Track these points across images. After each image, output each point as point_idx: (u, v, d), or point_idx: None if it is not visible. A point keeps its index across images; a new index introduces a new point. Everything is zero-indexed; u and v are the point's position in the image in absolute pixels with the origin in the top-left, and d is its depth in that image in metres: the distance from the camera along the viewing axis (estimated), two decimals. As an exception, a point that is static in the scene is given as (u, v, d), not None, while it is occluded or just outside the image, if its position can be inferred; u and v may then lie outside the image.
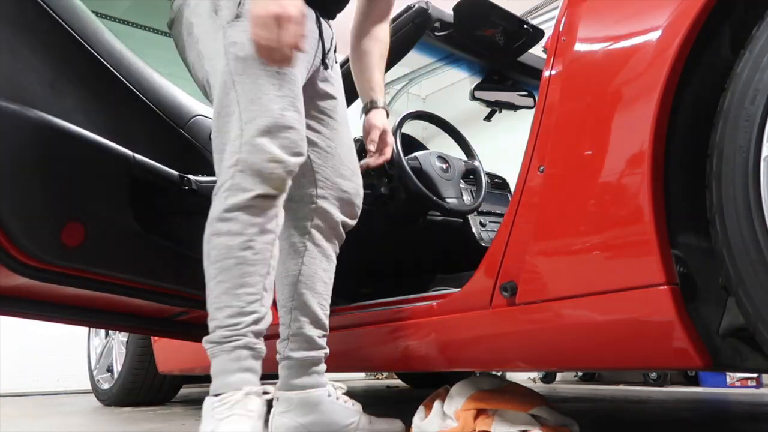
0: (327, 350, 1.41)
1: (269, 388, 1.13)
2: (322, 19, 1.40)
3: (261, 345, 1.14)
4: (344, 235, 1.49)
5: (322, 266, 1.42)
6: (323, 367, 1.40)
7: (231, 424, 1.03)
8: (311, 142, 1.38)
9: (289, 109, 1.17)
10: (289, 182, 1.19)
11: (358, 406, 1.39)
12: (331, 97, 1.46)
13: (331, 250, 1.45)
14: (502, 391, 1.35)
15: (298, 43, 1.13)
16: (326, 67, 1.43)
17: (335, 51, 1.49)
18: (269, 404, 1.18)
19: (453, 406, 1.34)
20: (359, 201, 1.52)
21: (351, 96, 1.65)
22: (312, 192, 1.43)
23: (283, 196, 1.19)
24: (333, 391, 1.39)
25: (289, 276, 1.40)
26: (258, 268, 1.14)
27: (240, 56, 1.16)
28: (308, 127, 1.36)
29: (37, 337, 3.83)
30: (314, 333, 1.38)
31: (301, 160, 1.18)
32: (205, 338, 1.14)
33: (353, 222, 1.50)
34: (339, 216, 1.46)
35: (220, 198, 1.15)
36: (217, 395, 1.08)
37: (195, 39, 1.26)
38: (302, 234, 1.42)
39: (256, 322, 1.13)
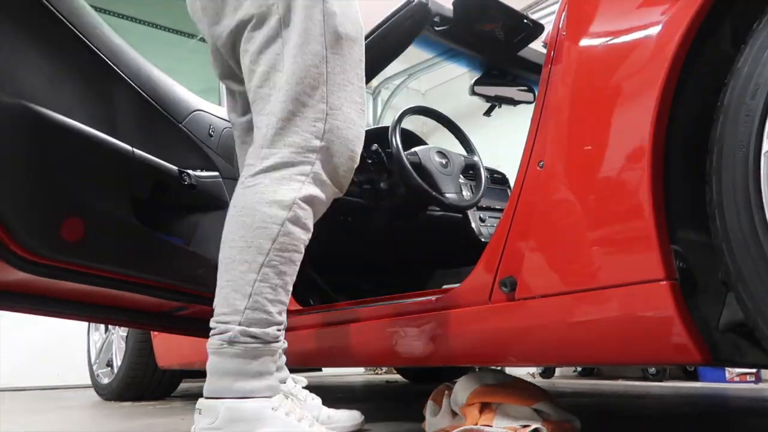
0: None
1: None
2: None
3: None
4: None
5: None
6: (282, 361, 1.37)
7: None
8: None
9: (364, 104, 1.17)
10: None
11: (318, 401, 1.39)
12: None
13: None
14: (506, 386, 1.36)
15: None
16: None
17: None
18: None
19: (458, 403, 1.35)
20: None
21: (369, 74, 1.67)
22: None
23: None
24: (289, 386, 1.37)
25: None
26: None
27: (339, 32, 1.12)
28: None
29: (37, 331, 3.83)
30: None
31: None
32: (236, 332, 1.05)
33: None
34: None
35: (296, 181, 1.08)
36: (268, 397, 1.04)
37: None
38: None
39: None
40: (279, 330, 1.09)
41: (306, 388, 1.39)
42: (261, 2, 1.12)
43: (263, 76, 1.11)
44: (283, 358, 1.33)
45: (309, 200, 1.09)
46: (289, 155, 1.09)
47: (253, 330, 1.05)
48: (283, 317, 1.11)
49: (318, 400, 1.41)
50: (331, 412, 1.42)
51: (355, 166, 1.16)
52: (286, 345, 1.17)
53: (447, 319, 1.37)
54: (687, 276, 0.93)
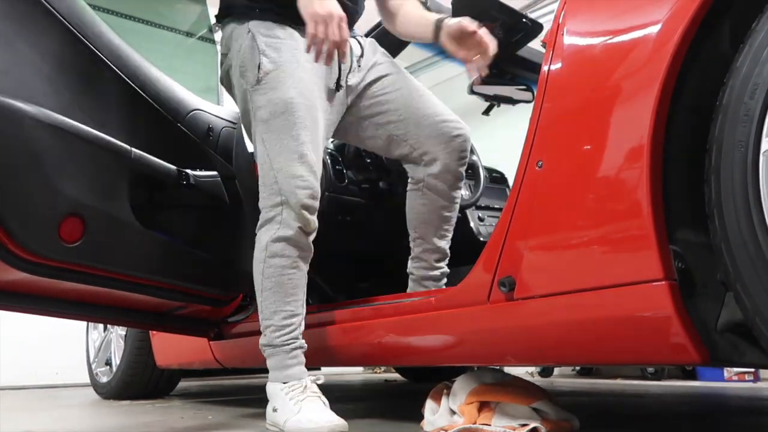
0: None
1: (320, 374, 1.46)
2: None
3: (305, 343, 1.46)
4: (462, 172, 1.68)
5: (439, 205, 1.69)
6: None
7: (310, 402, 1.34)
8: (385, 124, 1.65)
9: (305, 157, 1.42)
10: (314, 221, 1.46)
11: None
12: (371, 83, 1.64)
13: (450, 192, 1.69)
14: (504, 385, 1.36)
15: (342, 42, 1.35)
16: (339, 87, 1.57)
17: (361, 55, 1.64)
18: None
19: (457, 402, 1.35)
20: (458, 132, 1.67)
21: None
22: (412, 155, 1.67)
23: (314, 225, 1.47)
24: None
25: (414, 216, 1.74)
26: (300, 281, 1.46)
27: (264, 119, 1.43)
28: (371, 116, 1.66)
29: (36, 330, 3.82)
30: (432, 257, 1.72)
31: (317, 197, 1.45)
32: (262, 342, 1.45)
33: (463, 156, 1.67)
34: (445, 160, 1.64)
35: (271, 229, 1.44)
36: (284, 383, 1.39)
37: (234, 94, 1.54)
38: (420, 189, 1.70)
39: (301, 323, 1.46)
40: (283, 334, 1.42)
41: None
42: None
43: None
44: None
45: (281, 239, 1.43)
46: (266, 213, 1.46)
47: (264, 338, 1.46)
48: (288, 321, 1.43)
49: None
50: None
51: (310, 205, 1.43)
52: (300, 344, 1.45)
53: (446, 318, 1.37)
54: (686, 276, 0.93)
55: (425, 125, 1.64)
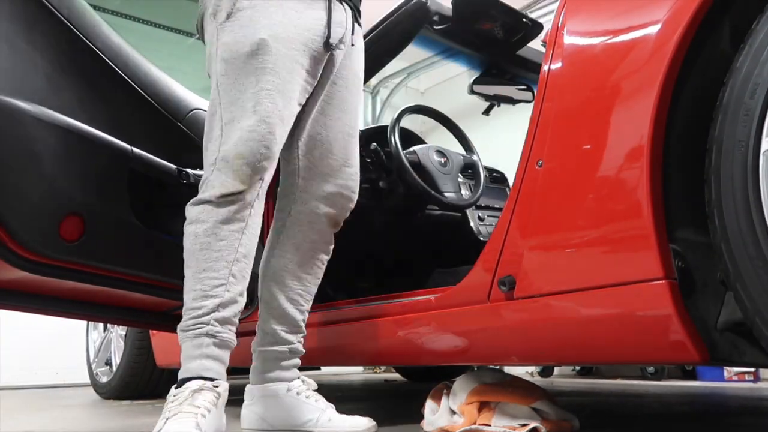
0: (294, 346, 1.42)
1: (223, 382, 1.15)
2: (333, 2, 1.35)
3: (226, 333, 1.18)
4: (333, 229, 1.45)
5: (293, 260, 1.41)
6: (291, 362, 1.41)
7: (175, 423, 1.04)
8: (300, 131, 1.38)
9: (261, 104, 1.20)
10: (258, 177, 1.22)
11: (323, 404, 1.38)
12: (332, 82, 1.39)
13: (310, 245, 1.42)
14: (504, 385, 1.36)
15: None
16: (329, 47, 1.33)
17: (352, 32, 1.41)
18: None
19: (457, 402, 1.35)
20: (350, 193, 1.45)
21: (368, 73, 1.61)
22: (294, 183, 1.41)
23: (255, 191, 1.22)
24: (298, 387, 1.38)
25: (260, 269, 1.44)
26: (223, 253, 1.18)
27: (224, 58, 1.22)
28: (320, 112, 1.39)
29: (36, 330, 3.82)
30: (278, 328, 1.39)
31: (266, 154, 1.21)
32: (178, 326, 1.19)
33: (343, 214, 1.45)
34: (322, 209, 1.41)
35: (199, 193, 1.22)
36: (179, 385, 1.11)
37: (205, 40, 1.31)
38: (278, 227, 1.43)
39: (221, 306, 1.17)
40: (191, 318, 1.17)
41: (317, 391, 1.39)
42: None
43: None
44: (291, 361, 1.39)
45: (200, 201, 1.21)
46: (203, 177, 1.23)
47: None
48: (198, 303, 1.17)
49: (324, 403, 1.38)
50: (341, 416, 1.36)
51: (250, 157, 1.20)
52: (208, 331, 1.17)
53: (446, 318, 1.37)
54: (686, 275, 0.93)
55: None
